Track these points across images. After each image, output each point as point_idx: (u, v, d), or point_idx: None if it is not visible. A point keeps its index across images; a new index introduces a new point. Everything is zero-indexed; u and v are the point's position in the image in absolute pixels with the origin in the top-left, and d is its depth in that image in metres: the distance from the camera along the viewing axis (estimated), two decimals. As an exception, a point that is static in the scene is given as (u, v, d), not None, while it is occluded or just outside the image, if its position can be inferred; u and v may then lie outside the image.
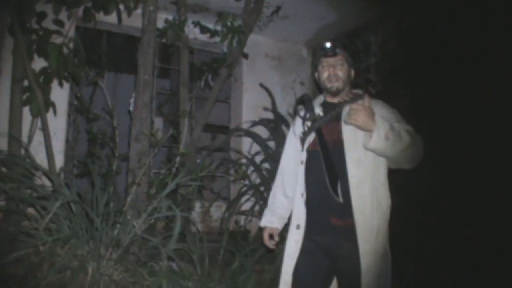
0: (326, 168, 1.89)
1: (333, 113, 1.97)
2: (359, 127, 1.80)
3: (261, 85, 4.51)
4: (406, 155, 1.82)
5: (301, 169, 2.01)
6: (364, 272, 1.80)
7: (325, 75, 2.00)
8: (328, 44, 1.99)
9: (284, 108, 4.42)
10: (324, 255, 1.93)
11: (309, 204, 1.96)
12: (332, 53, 1.99)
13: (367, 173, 1.87)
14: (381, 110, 1.92)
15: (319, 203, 1.93)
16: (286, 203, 2.13)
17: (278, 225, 2.14)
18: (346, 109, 1.94)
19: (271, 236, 2.13)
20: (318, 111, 2.04)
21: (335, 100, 2.01)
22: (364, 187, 1.86)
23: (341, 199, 1.85)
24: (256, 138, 4.24)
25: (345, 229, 1.86)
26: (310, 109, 2.04)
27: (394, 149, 1.78)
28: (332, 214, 1.89)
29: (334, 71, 1.98)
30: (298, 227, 1.96)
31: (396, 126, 1.80)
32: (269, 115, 4.41)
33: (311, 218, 1.95)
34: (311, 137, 2.01)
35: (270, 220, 2.15)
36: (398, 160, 1.86)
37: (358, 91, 2.08)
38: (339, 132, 1.91)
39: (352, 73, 2.06)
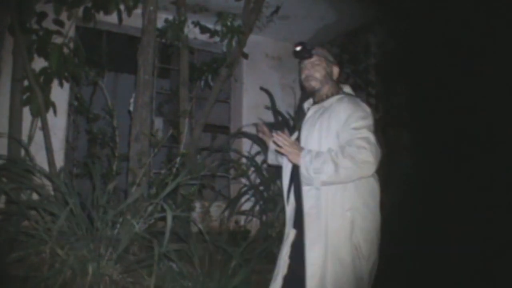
0: (291, 169, 2.00)
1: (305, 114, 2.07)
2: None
3: (262, 88, 4.50)
4: (349, 177, 1.80)
5: (290, 167, 2.07)
6: (308, 272, 1.81)
7: (302, 76, 2.08)
8: (297, 48, 2.05)
9: (284, 109, 4.42)
10: None
11: (296, 202, 2.03)
12: (307, 55, 2.04)
13: None
14: (338, 111, 1.90)
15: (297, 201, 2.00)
16: None
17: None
18: (313, 109, 2.02)
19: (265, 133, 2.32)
20: (306, 111, 2.12)
21: (317, 99, 2.08)
22: (316, 191, 1.85)
23: (287, 203, 1.99)
24: (256, 140, 4.23)
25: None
26: (301, 110, 2.16)
27: (332, 179, 1.80)
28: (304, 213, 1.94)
29: (310, 72, 2.04)
30: (289, 220, 2.04)
31: (330, 155, 1.78)
32: (269, 115, 4.41)
33: (298, 215, 2.00)
34: (294, 136, 2.11)
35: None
36: (346, 180, 1.84)
37: (344, 87, 2.10)
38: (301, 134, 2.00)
39: (335, 71, 2.08)
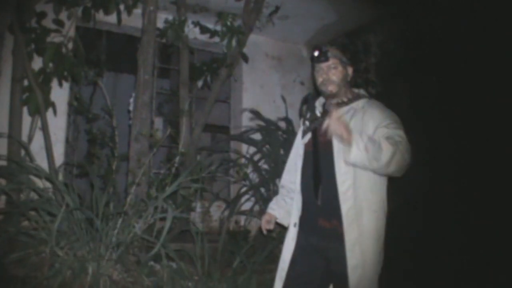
0: (313, 170, 1.94)
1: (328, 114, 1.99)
2: (340, 139, 1.76)
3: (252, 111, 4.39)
4: (389, 166, 1.76)
5: (299, 168, 2.04)
6: (351, 274, 1.80)
7: (319, 80, 2.03)
8: (316, 53, 2.01)
9: (283, 109, 4.41)
10: (318, 256, 1.94)
11: (304, 203, 2.00)
12: (323, 58, 2.00)
13: (356, 178, 1.86)
14: (372, 112, 1.92)
15: (310, 203, 1.96)
16: (291, 196, 2.15)
17: (277, 213, 2.19)
18: (340, 111, 1.93)
19: (268, 223, 2.19)
20: (319, 111, 2.07)
21: (334, 101, 2.04)
22: (354, 191, 1.85)
23: (319, 202, 1.89)
24: (253, 143, 4.20)
25: (330, 231, 1.88)
26: (311, 109, 2.08)
27: (375, 161, 1.74)
28: (319, 215, 1.92)
29: (327, 76, 2.00)
30: (295, 225, 2.00)
31: (376, 138, 1.77)
32: (270, 115, 4.39)
33: (304, 217, 1.99)
34: (308, 137, 2.04)
35: (271, 207, 2.23)
36: (382, 171, 1.82)
37: (359, 91, 2.10)
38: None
39: (350, 71, 2.06)
